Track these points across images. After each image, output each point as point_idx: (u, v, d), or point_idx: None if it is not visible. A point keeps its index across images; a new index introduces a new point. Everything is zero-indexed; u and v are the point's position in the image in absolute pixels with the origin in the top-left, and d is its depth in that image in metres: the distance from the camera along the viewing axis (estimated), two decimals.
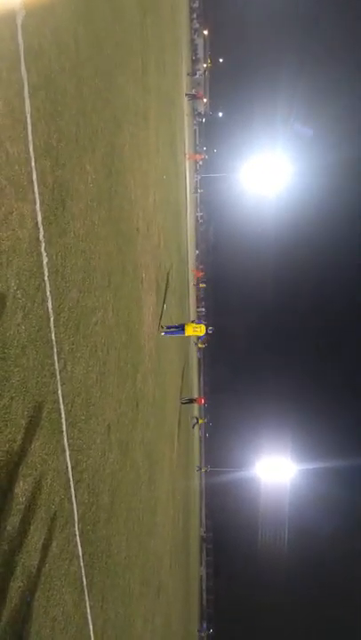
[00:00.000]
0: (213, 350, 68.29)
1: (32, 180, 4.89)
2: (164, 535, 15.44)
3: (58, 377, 5.46)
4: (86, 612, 6.34)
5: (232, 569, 64.72)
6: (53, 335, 5.35)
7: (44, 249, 5.16)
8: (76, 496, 5.96)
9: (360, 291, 68.09)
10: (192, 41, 62.37)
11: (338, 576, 63.27)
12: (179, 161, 28.53)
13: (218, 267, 69.67)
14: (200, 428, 52.66)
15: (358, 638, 61.30)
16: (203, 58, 68.53)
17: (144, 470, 11.37)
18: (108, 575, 7.66)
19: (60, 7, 6.08)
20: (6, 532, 4.19)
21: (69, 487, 5.75)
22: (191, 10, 62.91)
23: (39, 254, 5.04)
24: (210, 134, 71.89)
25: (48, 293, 5.25)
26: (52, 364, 5.31)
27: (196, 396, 39.02)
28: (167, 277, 17.69)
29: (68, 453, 5.72)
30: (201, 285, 51.91)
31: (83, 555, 6.19)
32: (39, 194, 5.03)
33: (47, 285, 5.23)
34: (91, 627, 6.52)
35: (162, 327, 15.26)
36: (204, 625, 49.43)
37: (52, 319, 5.33)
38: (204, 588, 57.72)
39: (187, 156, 37.33)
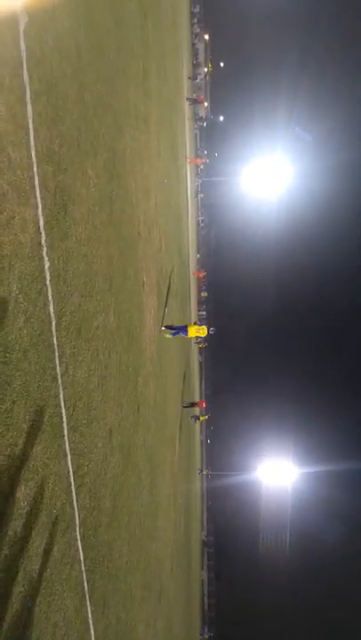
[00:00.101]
0: (215, 352, 68.34)
1: (34, 185, 4.91)
2: (166, 539, 15.40)
3: (59, 381, 5.46)
4: (88, 618, 6.32)
5: (233, 573, 64.54)
6: (55, 339, 5.36)
7: (46, 253, 5.17)
8: (77, 500, 5.95)
9: (360, 292, 68.13)
10: (193, 45, 62.62)
11: (339, 579, 63.05)
12: (180, 165, 28.59)
13: (219, 270, 69.80)
14: (201, 425, 52.53)
15: None
16: (203, 62, 68.76)
17: (145, 474, 11.35)
18: (110, 580, 7.64)
19: (61, 13, 6.12)
20: (8, 537, 4.19)
21: (71, 491, 5.75)
22: (192, 14, 63.21)
23: (41, 258, 5.06)
24: (211, 138, 72.12)
25: (50, 297, 5.26)
26: (54, 368, 5.31)
27: (197, 399, 38.98)
28: (169, 281, 17.71)
29: (69, 457, 5.72)
30: (203, 294, 52.03)
31: (84, 559, 6.17)
32: (41, 198, 5.05)
33: (49, 289, 5.24)
34: (92, 632, 6.50)
35: (164, 329, 15.40)
36: (205, 629, 49.28)
37: (53, 323, 5.34)
38: (205, 592, 57.52)
39: (188, 159, 37.42)
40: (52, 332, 5.29)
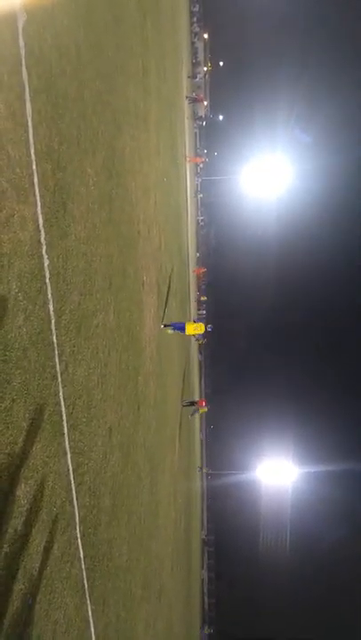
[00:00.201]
0: (214, 352, 68.36)
1: (33, 183, 4.90)
2: (166, 538, 15.40)
3: (59, 379, 5.46)
4: (88, 616, 6.33)
5: (234, 572, 64.56)
6: (55, 337, 5.35)
7: (46, 251, 5.17)
8: (77, 499, 5.95)
9: (360, 292, 68.17)
10: (192, 44, 62.58)
11: (339, 578, 63.07)
12: (179, 164, 28.58)
13: (219, 269, 69.77)
14: (201, 423, 52.52)
15: None
16: (203, 61, 68.70)
17: (145, 473, 11.35)
18: (110, 578, 7.65)
19: (60, 11, 6.11)
20: (8, 535, 4.19)
21: (71, 490, 5.75)
22: (191, 13, 63.13)
23: (40, 257, 5.05)
24: (210, 137, 72.07)
25: (49, 296, 5.26)
26: (54, 367, 5.31)
27: (197, 398, 39.00)
28: (169, 280, 17.71)
29: (69, 456, 5.72)
30: (202, 298, 52.07)
31: (84, 557, 6.18)
32: (40, 197, 5.05)
33: (48, 288, 5.24)
34: (92, 630, 6.51)
35: (163, 327, 15.52)
36: (206, 626, 49.43)
37: (53, 321, 5.34)
38: (205, 591, 57.55)
39: (187, 158, 37.39)
40: (51, 330, 5.29)
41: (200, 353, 58.04)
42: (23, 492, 4.47)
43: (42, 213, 5.08)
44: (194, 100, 47.84)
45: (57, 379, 5.39)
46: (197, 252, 57.02)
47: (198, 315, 47.60)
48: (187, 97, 40.80)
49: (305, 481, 53.45)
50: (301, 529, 66.15)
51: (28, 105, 4.84)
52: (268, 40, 72.41)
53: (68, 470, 5.70)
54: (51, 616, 5.04)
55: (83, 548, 6.12)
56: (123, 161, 9.90)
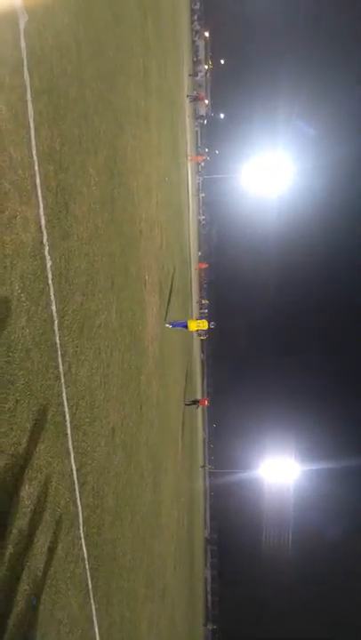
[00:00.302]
0: (216, 351, 68.37)
1: (35, 184, 4.90)
2: (169, 537, 15.42)
3: (62, 380, 5.46)
4: (92, 615, 6.34)
5: (236, 570, 64.60)
6: (57, 338, 5.36)
7: (48, 252, 5.17)
8: (80, 499, 5.96)
9: None
10: (193, 42, 62.44)
11: (342, 577, 63.08)
12: (181, 162, 28.55)
13: (220, 267, 69.76)
14: (203, 422, 52.55)
15: None
16: (204, 59, 68.59)
17: (148, 472, 11.37)
18: (114, 578, 7.66)
19: (61, 11, 6.11)
20: (12, 535, 4.20)
21: (74, 490, 5.76)
22: (192, 11, 63.00)
23: (43, 257, 5.05)
24: (212, 135, 71.98)
25: (52, 296, 5.27)
26: (57, 367, 5.32)
27: (199, 397, 39.04)
28: (171, 279, 17.71)
29: (72, 456, 5.73)
30: (204, 301, 52.04)
31: (88, 557, 6.19)
32: (43, 197, 5.05)
33: (51, 288, 5.24)
34: (96, 629, 6.52)
35: (168, 325, 15.64)
36: (207, 623, 49.60)
37: (55, 322, 5.34)
38: (208, 589, 57.64)
39: (189, 157, 37.35)
40: (54, 330, 5.29)
41: (202, 352, 58.07)
42: (27, 493, 4.48)
43: (44, 214, 5.08)
44: (195, 99, 47.77)
45: (60, 379, 5.40)
46: (199, 250, 57.00)
47: (200, 313, 47.62)
48: (188, 95, 40.75)
49: (307, 479, 53.52)
50: (304, 527, 66.20)
51: (30, 106, 4.84)
52: (269, 38, 72.30)
53: (72, 470, 5.71)
54: (55, 616, 5.05)
55: (86, 548, 6.13)
56: (124, 160, 9.90)
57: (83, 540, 6.01)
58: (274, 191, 54.46)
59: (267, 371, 70.68)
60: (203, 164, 58.87)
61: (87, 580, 6.19)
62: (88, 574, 6.21)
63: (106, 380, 7.55)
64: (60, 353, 5.40)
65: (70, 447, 5.67)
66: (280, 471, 43.68)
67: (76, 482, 5.80)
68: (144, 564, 10.47)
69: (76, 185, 6.35)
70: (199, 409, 29.10)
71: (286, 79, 69.54)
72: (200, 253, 58.00)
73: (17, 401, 4.34)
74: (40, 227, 5.00)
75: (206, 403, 28.13)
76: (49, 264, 5.19)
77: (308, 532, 65.35)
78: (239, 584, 64.53)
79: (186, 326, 17.26)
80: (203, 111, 65.57)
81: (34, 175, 4.87)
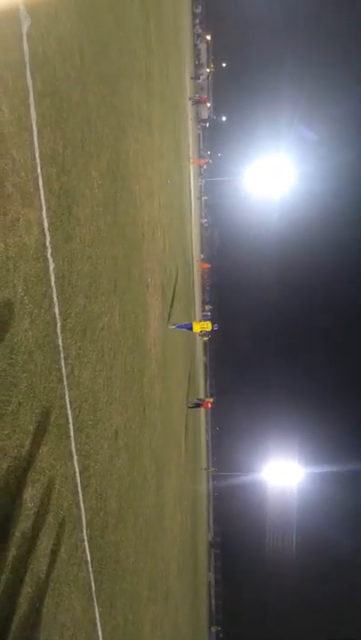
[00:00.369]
0: (219, 353, 68.35)
1: (38, 187, 4.92)
2: (172, 540, 15.38)
3: (65, 382, 5.46)
4: (95, 618, 6.32)
5: (240, 574, 64.40)
6: (60, 341, 5.36)
7: (51, 255, 5.18)
8: (84, 501, 5.95)
9: None
10: (195, 46, 62.63)
11: (346, 580, 62.81)
12: (183, 165, 28.61)
13: (223, 270, 69.79)
14: (207, 423, 52.47)
15: None
16: (206, 62, 68.78)
17: (152, 475, 11.35)
18: (117, 580, 7.64)
19: (64, 15, 6.13)
20: (15, 538, 4.19)
21: (77, 492, 5.75)
22: (194, 15, 63.22)
23: (46, 260, 5.06)
24: (214, 138, 72.18)
25: (55, 299, 5.27)
26: (60, 370, 5.32)
27: (203, 399, 38.95)
28: (174, 282, 17.73)
29: (75, 459, 5.72)
30: (207, 307, 52.13)
31: (91, 560, 6.17)
32: (45, 200, 5.06)
33: (54, 291, 5.25)
34: (100, 633, 6.50)
35: (172, 327, 15.71)
36: (211, 626, 49.46)
37: (58, 325, 5.35)
38: (212, 593, 57.44)
39: (191, 160, 37.42)
40: (57, 333, 5.30)
41: (205, 355, 58.05)
42: (30, 495, 4.48)
43: (47, 217, 5.09)
44: (197, 102, 47.92)
45: (63, 382, 5.40)
46: (201, 253, 57.04)
47: (203, 316, 47.64)
48: (190, 98, 40.86)
49: (311, 482, 53.32)
50: (308, 530, 65.96)
51: (33, 109, 4.86)
52: (271, 41, 72.47)
53: (75, 473, 5.70)
54: (58, 619, 5.04)
55: (90, 551, 6.12)
56: (127, 164, 9.92)
57: (86, 542, 6.00)
58: (276, 193, 54.48)
59: (269, 372, 70.63)
60: (205, 166, 59.01)
61: (90, 582, 6.17)
62: (91, 577, 6.19)
63: (109, 383, 7.55)
64: (62, 355, 5.40)
65: (73, 449, 5.67)
66: (284, 474, 43.54)
67: (79, 484, 5.79)
68: (147, 567, 10.44)
69: (78, 188, 6.37)
70: (202, 411, 29.08)
71: (288, 81, 69.76)
72: (202, 256, 58.04)
73: (20, 403, 4.34)
74: (43, 229, 5.01)
75: (210, 406, 28.07)
76: (52, 266, 5.20)
77: (312, 535, 65.11)
78: (243, 587, 64.31)
79: (190, 328, 17.36)
80: (205, 114, 65.75)
81: (36, 178, 4.88)
